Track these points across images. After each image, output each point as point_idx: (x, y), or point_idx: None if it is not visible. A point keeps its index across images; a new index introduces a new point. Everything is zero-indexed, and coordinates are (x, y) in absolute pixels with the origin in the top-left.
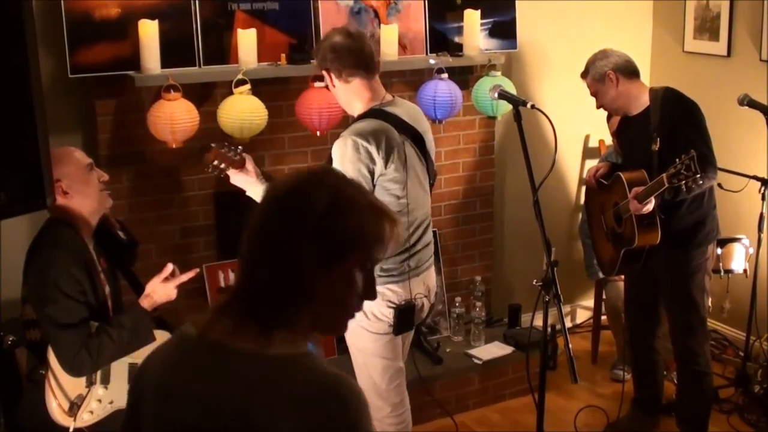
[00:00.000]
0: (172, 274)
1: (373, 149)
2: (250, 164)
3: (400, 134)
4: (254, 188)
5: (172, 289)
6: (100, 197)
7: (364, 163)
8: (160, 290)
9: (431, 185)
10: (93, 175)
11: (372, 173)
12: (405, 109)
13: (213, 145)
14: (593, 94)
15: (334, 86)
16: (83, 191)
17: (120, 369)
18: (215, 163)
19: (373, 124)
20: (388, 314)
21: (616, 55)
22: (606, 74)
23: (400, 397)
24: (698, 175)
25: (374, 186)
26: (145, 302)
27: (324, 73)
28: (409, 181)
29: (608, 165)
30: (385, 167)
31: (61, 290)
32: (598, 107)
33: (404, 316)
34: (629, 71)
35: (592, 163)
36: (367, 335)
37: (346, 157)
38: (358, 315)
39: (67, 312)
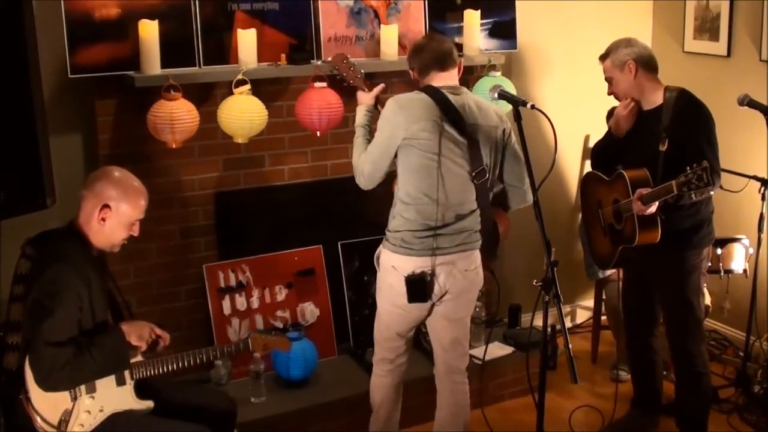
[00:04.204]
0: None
1: (401, 110)
2: (377, 90)
3: (441, 112)
4: (361, 110)
5: (145, 331)
6: (115, 245)
7: (393, 120)
8: (138, 328)
9: (479, 180)
10: (132, 227)
11: (400, 129)
12: (464, 98)
13: (341, 55)
14: (608, 79)
15: (417, 81)
16: (113, 232)
17: None
18: (336, 69)
19: (413, 94)
20: (403, 283)
21: (640, 47)
22: (626, 63)
23: (391, 356)
24: (709, 187)
25: (401, 144)
26: (125, 330)
27: (410, 71)
28: (442, 157)
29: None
30: (411, 128)
31: (62, 305)
32: (609, 93)
33: (414, 287)
34: (649, 66)
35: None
36: (388, 292)
37: (384, 115)
38: (394, 278)
39: (61, 329)
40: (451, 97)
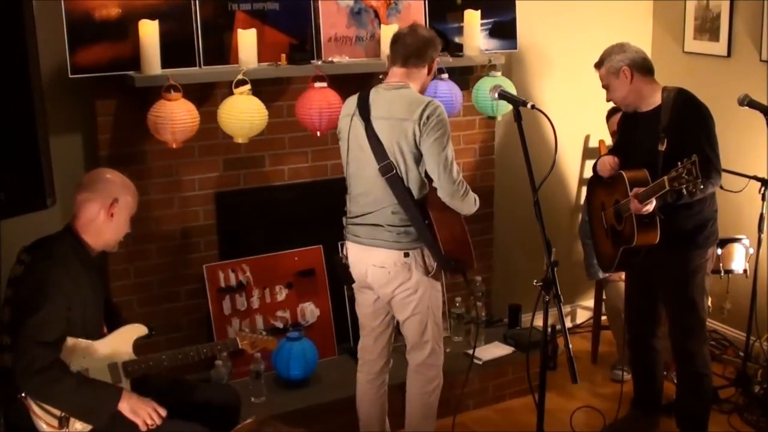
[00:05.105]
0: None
1: (342, 107)
2: None
3: (357, 107)
4: None
5: (142, 410)
6: (116, 242)
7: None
8: (139, 403)
9: (385, 175)
10: (129, 223)
11: (339, 125)
12: (385, 94)
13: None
14: (605, 86)
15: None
16: (119, 226)
17: (101, 372)
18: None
19: (356, 94)
20: None
21: (633, 51)
22: (621, 69)
23: (361, 345)
24: (699, 180)
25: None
26: (124, 395)
27: None
28: (350, 151)
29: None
30: (339, 124)
31: (49, 302)
32: (608, 100)
33: (338, 268)
34: (644, 69)
35: (592, 163)
36: None
37: None
38: None
39: (48, 326)
40: (377, 91)
